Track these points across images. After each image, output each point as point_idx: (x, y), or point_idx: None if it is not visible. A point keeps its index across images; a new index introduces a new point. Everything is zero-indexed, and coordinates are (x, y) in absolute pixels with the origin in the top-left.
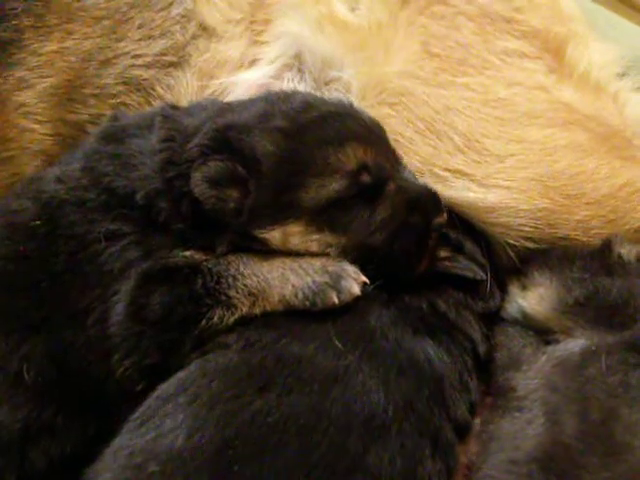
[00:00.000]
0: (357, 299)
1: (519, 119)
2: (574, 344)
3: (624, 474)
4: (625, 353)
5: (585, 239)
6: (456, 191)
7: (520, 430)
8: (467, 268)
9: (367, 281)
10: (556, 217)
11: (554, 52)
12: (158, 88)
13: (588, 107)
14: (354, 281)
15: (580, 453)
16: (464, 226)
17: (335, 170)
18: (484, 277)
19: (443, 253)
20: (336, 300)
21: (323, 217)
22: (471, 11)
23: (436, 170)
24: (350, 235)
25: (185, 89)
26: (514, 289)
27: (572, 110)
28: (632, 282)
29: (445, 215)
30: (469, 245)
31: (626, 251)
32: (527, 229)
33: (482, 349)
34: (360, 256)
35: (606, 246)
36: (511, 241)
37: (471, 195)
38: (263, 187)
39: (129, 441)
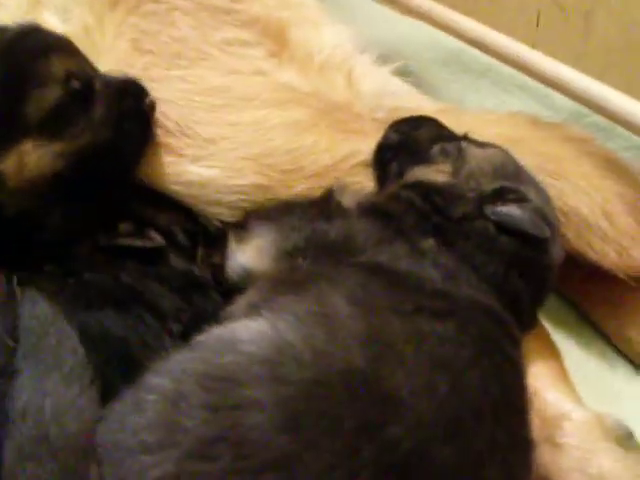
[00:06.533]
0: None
1: (233, 104)
2: None
3: None
4: None
5: None
6: (171, 173)
7: None
8: (148, 238)
9: None
10: (274, 192)
11: (274, 36)
12: None
13: (309, 85)
14: None
15: None
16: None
17: (47, 81)
18: (163, 243)
19: (126, 227)
20: None
21: (49, 127)
22: (186, 6)
23: (151, 154)
24: (79, 137)
25: None
26: (232, 244)
27: (290, 89)
28: (350, 223)
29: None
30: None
31: (345, 200)
32: (243, 204)
33: (173, 321)
34: (93, 155)
35: (326, 195)
36: (224, 218)
37: (185, 177)
38: None
39: None
